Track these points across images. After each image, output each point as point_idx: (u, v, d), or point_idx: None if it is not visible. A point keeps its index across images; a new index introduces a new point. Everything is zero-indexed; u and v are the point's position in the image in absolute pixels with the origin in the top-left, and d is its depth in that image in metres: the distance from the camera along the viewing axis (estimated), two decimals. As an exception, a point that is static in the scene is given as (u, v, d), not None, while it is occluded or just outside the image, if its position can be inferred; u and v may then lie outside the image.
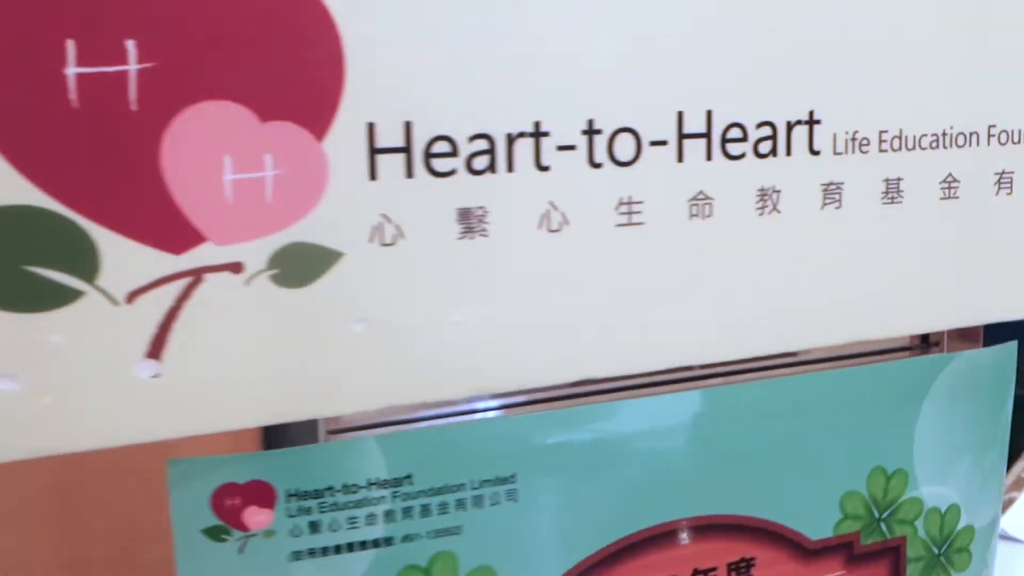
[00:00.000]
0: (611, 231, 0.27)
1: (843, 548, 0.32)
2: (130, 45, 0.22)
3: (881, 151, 0.30)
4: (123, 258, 0.23)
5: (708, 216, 0.28)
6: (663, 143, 0.27)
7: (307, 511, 0.27)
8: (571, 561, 0.29)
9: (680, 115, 0.27)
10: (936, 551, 0.34)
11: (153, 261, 0.23)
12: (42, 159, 0.22)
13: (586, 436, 0.29)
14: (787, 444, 0.32)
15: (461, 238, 0.26)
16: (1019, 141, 0.32)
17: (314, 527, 0.27)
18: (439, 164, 0.25)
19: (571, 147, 0.26)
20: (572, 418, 0.29)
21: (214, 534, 0.27)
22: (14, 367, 0.23)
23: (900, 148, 0.30)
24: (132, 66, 0.22)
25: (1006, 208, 0.32)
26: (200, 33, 0.22)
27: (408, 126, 0.25)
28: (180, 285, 0.24)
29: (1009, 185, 0.32)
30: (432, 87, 0.25)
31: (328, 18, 0.23)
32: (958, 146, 0.31)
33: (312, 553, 0.27)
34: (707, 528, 0.31)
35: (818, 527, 0.32)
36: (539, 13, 0.25)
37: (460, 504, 0.28)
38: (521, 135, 0.26)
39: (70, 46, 0.22)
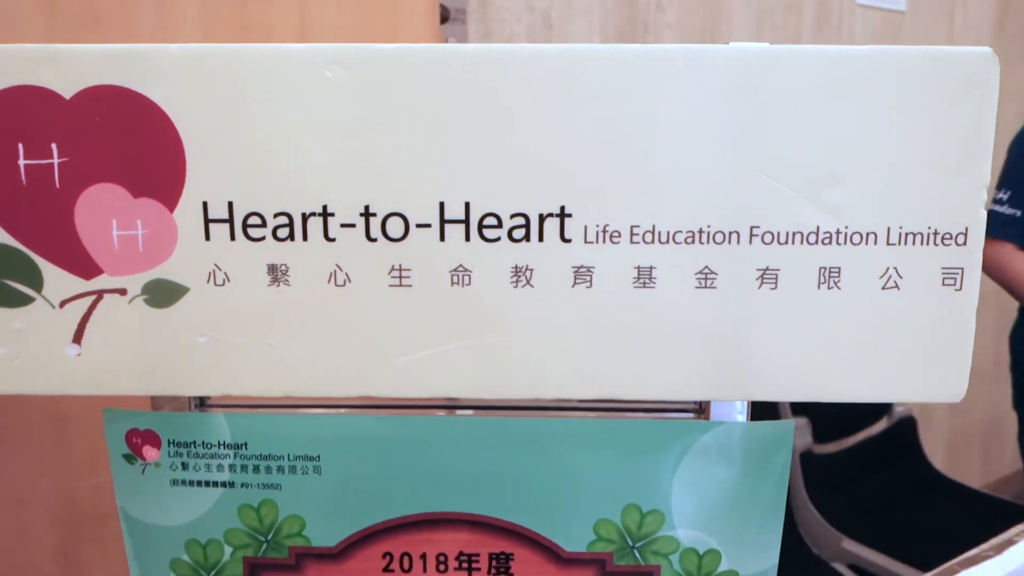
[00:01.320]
0: (384, 290, 0.36)
1: (596, 563, 0.39)
2: (54, 147, 0.35)
3: (632, 243, 0.35)
4: (56, 279, 0.36)
5: (467, 285, 0.35)
6: (428, 225, 0.35)
7: (180, 455, 0.39)
8: (360, 525, 0.39)
9: (442, 205, 0.35)
10: (692, 585, 0.39)
11: (74, 282, 0.36)
12: (10, 215, 0.36)
13: (380, 436, 0.38)
14: (553, 471, 0.38)
15: (270, 285, 0.36)
16: (785, 242, 0.35)
17: (184, 466, 0.39)
18: (253, 232, 0.35)
19: (352, 225, 0.35)
20: (367, 422, 0.39)
21: (128, 459, 0.40)
22: (0, 339, 0.37)
23: (653, 241, 0.35)
24: (55, 159, 0.35)
25: (767, 301, 0.35)
26: (96, 141, 0.34)
27: (231, 205, 0.35)
28: (90, 299, 0.37)
29: (773, 280, 0.35)
30: (247, 179, 0.35)
31: (176, 134, 0.34)
32: (716, 243, 0.35)
33: (184, 483, 0.40)
34: (475, 523, 0.39)
35: (573, 542, 0.38)
36: (323, 128, 0.34)
37: (280, 469, 0.39)
38: (313, 214, 0.35)
39: (20, 147, 0.35)
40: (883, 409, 1.51)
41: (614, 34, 1.26)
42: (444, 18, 1.03)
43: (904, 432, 1.56)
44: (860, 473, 1.49)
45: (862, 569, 1.24)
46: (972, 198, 0.35)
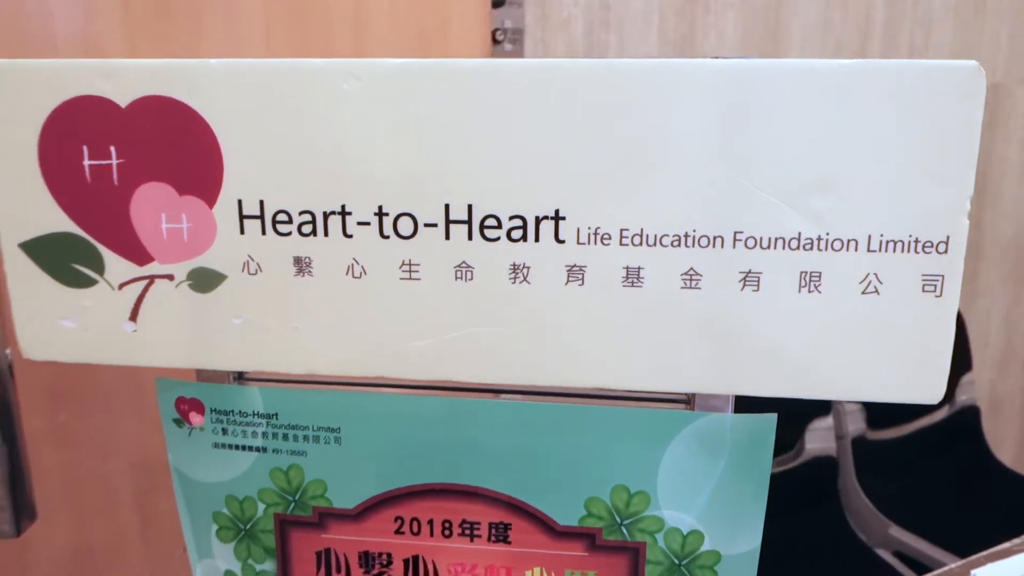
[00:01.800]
0: (396, 282, 0.39)
1: (587, 536, 0.42)
2: (112, 149, 0.39)
3: (622, 244, 0.37)
4: (115, 265, 0.41)
5: (470, 280, 0.39)
6: (434, 225, 0.38)
7: (220, 421, 0.44)
8: (376, 491, 0.43)
9: (447, 206, 0.38)
10: (676, 561, 0.42)
11: (130, 268, 0.41)
12: (78, 208, 0.41)
13: (393, 413, 0.43)
14: (550, 451, 0.41)
15: (296, 275, 0.40)
16: (767, 247, 0.37)
17: (224, 431, 0.45)
18: (281, 228, 0.39)
19: (367, 223, 0.39)
20: (381, 399, 0.43)
21: (178, 423, 0.46)
22: (72, 315, 0.43)
23: (641, 243, 0.37)
24: (114, 161, 0.40)
25: (750, 301, 0.37)
26: (148, 145, 0.39)
27: (261, 203, 0.39)
28: (143, 283, 0.42)
29: (755, 283, 0.37)
30: (276, 180, 0.39)
31: (215, 139, 0.39)
32: (701, 246, 0.37)
33: (224, 446, 0.45)
34: (477, 495, 0.42)
35: (565, 516, 0.42)
36: (340, 135, 0.38)
37: (305, 438, 0.43)
38: (333, 213, 0.39)
39: (85, 149, 0.40)
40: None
41: (673, 16, 1.25)
42: (499, 2, 1.05)
43: (966, 421, 1.52)
44: (916, 461, 1.46)
45: (908, 557, 1.23)
46: (955, 208, 0.36)
